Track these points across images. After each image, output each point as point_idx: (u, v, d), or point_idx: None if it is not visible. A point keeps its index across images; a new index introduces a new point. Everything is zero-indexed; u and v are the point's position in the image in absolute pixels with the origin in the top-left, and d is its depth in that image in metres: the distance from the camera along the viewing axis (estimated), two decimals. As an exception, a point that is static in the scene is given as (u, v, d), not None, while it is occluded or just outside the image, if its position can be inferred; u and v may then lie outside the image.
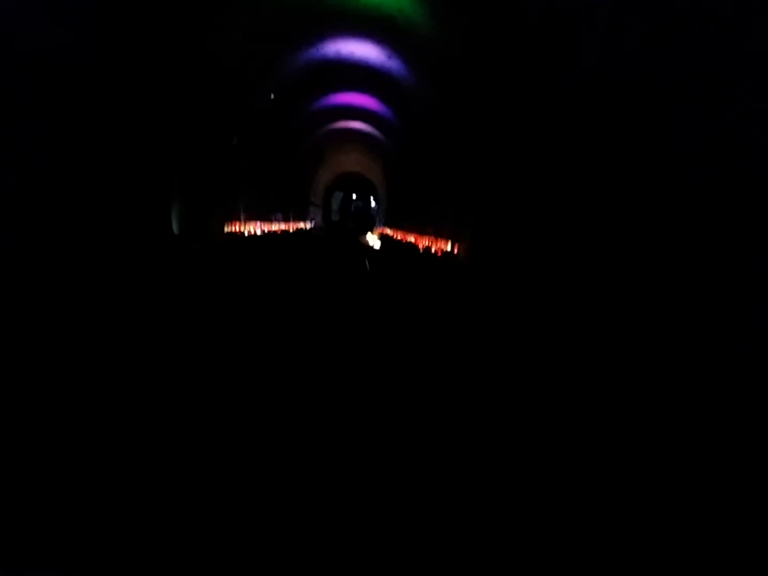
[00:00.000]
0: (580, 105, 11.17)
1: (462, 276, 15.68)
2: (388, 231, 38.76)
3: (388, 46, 22.67)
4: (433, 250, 18.58)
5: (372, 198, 68.99)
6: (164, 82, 12.25)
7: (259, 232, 22.55)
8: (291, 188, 36.03)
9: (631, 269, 7.99)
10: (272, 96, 23.26)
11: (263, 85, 22.09)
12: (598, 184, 9.85)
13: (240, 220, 20.10)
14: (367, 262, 19.64)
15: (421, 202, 25.13)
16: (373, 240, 48.41)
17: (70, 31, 9.54)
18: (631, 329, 7.01)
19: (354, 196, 74.50)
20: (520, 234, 13.48)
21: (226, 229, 17.92)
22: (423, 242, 22.18)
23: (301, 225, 41.29)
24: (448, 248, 17.04)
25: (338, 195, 71.08)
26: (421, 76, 22.77)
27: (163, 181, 12.14)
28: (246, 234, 20.06)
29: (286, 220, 32.83)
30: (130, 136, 10.85)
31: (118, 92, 10.22)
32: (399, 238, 31.75)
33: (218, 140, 16.56)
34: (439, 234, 19.48)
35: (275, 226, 28.34)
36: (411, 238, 26.48)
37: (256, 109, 22.34)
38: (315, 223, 49.10)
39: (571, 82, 11.51)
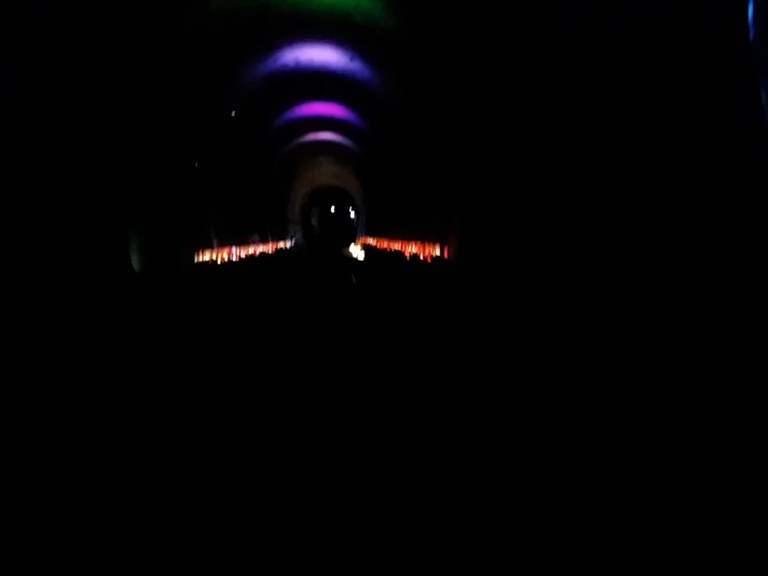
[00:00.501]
0: (568, 84, 10.08)
1: (452, 280, 14.48)
2: (371, 241, 37.60)
3: (348, 48, 21.53)
4: (421, 257, 17.34)
5: (351, 209, 68.14)
6: (104, 105, 10.99)
7: (234, 258, 21.17)
8: (266, 208, 34.77)
9: (647, 263, 6.90)
10: (233, 113, 22.03)
11: (223, 102, 20.86)
12: (597, 171, 8.73)
13: (213, 247, 18.81)
14: (353, 276, 18.43)
15: (402, 208, 23.95)
16: (356, 251, 47.26)
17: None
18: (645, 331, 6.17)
19: (333, 209, 73.62)
20: (513, 228, 12.33)
21: (198, 259, 16.58)
22: (409, 249, 20.98)
23: (281, 244, 40.00)
24: (437, 252, 15.85)
25: (317, 209, 70.08)
26: (387, 76, 21.63)
27: (117, 214, 10.86)
28: (219, 262, 18.73)
29: (264, 241, 31.52)
30: (71, 167, 9.58)
31: (52, 115, 8.96)
32: (383, 247, 30.56)
33: (178, 164, 15.29)
34: (425, 239, 18.30)
35: (253, 249, 27.04)
36: (396, 246, 25.28)
37: (218, 128, 21.10)
38: (295, 241, 47.83)
39: (559, 59, 10.42)
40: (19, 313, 7.54)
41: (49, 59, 9.48)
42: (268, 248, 33.03)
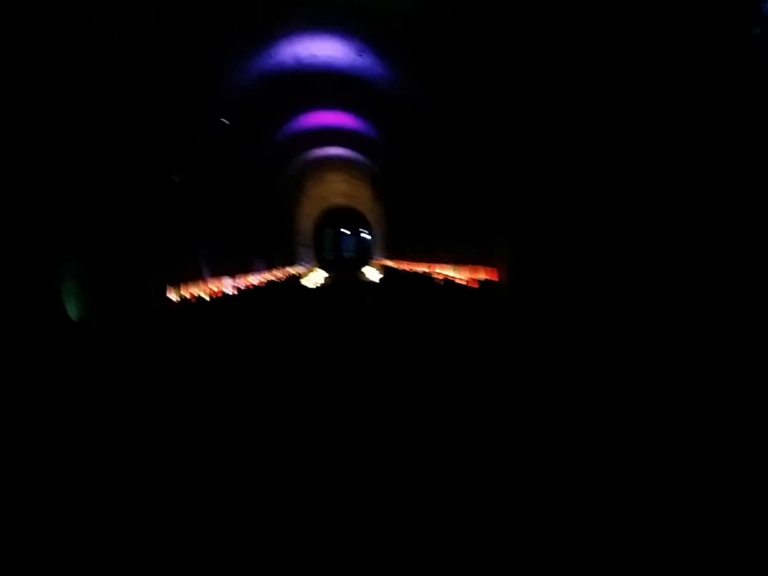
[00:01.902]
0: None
1: (505, 310, 11.07)
2: (389, 263, 34.24)
3: (357, 39, 18.32)
4: (463, 281, 13.84)
5: (364, 231, 65.58)
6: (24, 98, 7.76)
7: (230, 291, 17.61)
8: (272, 231, 31.51)
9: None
10: (225, 121, 18.85)
11: (209, 107, 17.66)
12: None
13: (202, 278, 15.51)
14: (374, 304, 15.06)
15: (427, 226, 20.55)
16: (374, 274, 44.00)
17: None
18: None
19: (346, 231, 70.98)
20: (590, 241, 9.00)
21: (180, 294, 13.21)
22: (439, 271, 17.52)
23: (292, 270, 36.69)
24: (482, 276, 12.41)
25: (330, 231, 67.41)
26: (403, 71, 18.36)
27: (40, 244, 7.56)
28: (209, 296, 15.30)
29: (270, 267, 28.19)
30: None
31: None
32: (404, 269, 27.14)
33: (149, 180, 12.04)
34: (460, 260, 14.88)
35: (256, 278, 23.70)
36: (419, 268, 21.85)
37: (205, 138, 17.89)
38: (308, 266, 44.58)
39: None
40: None
41: None
42: (277, 275, 29.70)
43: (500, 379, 7.86)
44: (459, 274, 14.30)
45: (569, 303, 8.99)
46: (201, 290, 15.26)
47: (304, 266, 43.17)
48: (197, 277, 15.44)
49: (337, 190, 47.42)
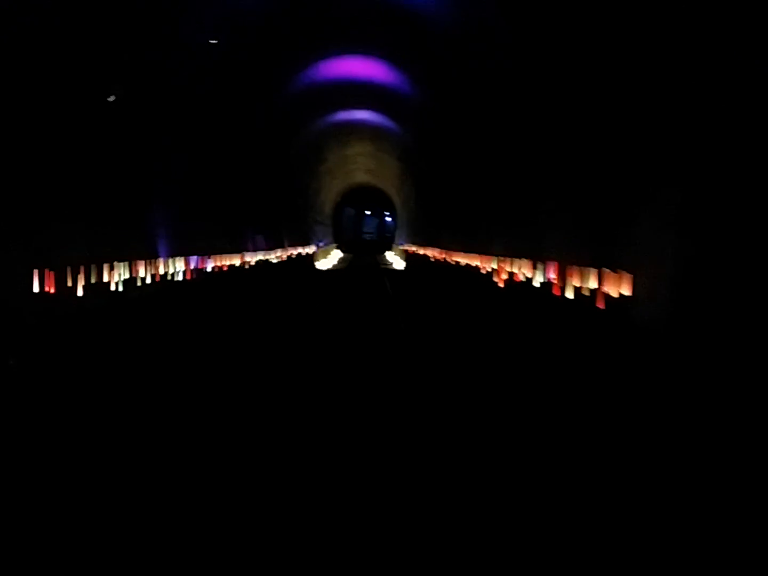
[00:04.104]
0: None
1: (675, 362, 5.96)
2: (418, 249, 29.06)
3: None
4: (555, 287, 8.49)
5: (387, 213, 60.75)
6: None
7: (178, 276, 11.95)
8: (282, 204, 26.38)
9: None
10: (215, 41, 13.76)
11: (192, 18, 12.54)
12: None
13: (158, 258, 10.47)
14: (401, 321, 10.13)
15: (478, 205, 15.33)
16: (396, 262, 38.92)
17: None
18: None
19: (368, 212, 66.15)
20: None
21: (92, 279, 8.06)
22: (495, 267, 12.31)
23: (303, 250, 31.57)
24: (595, 284, 7.18)
25: (350, 211, 62.39)
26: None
27: None
28: (159, 278, 10.03)
29: (273, 246, 23.06)
30: None
31: None
32: (439, 258, 21.91)
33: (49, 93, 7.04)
34: (540, 254, 9.69)
35: (251, 257, 18.63)
36: (465, 260, 16.65)
37: (180, 62, 12.78)
38: (323, 246, 39.50)
39: None
40: None
41: None
42: (281, 256, 24.57)
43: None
44: (544, 276, 9.10)
45: None
46: (153, 270, 10.21)
47: (319, 246, 38.04)
48: (146, 254, 10.40)
49: (361, 164, 42.48)
